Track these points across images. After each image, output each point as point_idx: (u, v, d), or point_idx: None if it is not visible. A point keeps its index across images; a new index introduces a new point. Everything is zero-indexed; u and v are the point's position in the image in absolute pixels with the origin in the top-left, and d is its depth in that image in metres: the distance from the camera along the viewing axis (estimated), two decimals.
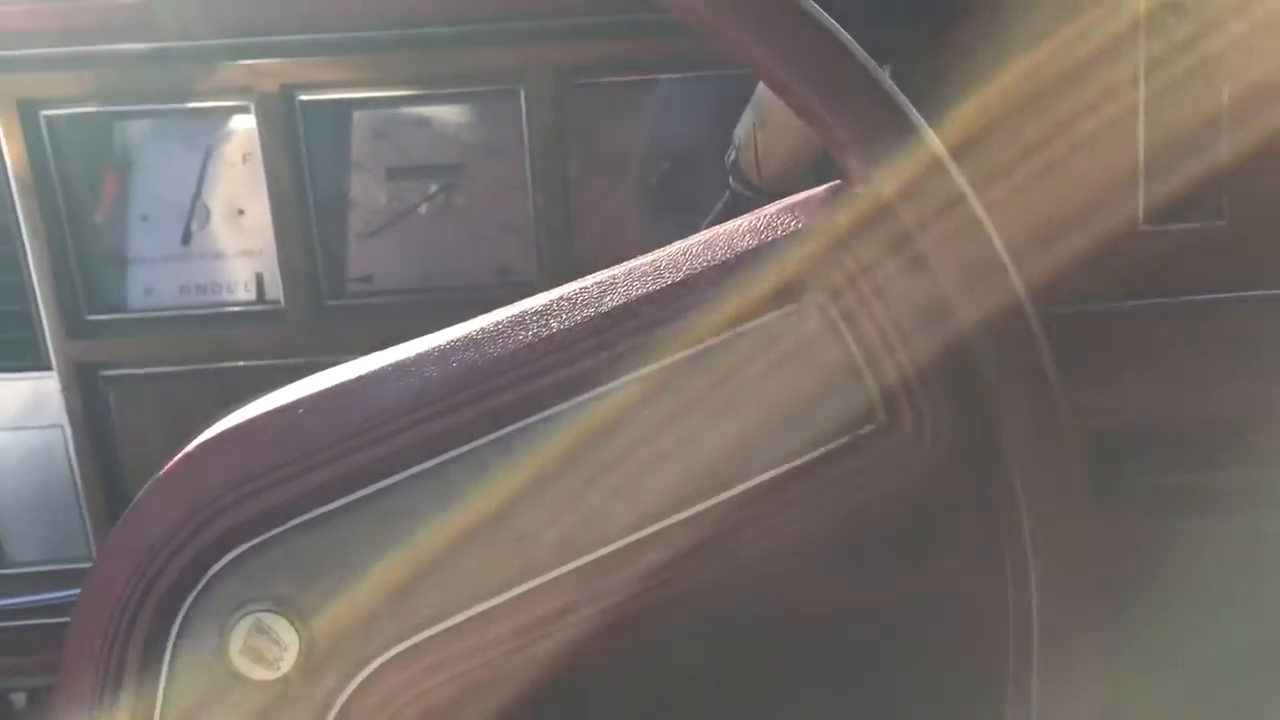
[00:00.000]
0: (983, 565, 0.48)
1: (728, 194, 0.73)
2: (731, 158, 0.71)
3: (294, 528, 0.47)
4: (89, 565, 0.91)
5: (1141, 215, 0.78)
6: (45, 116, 0.81)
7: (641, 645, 0.50)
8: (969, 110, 0.59)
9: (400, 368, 0.48)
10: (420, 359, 0.47)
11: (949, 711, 0.50)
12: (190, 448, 0.49)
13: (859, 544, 0.48)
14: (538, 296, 0.48)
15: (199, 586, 0.47)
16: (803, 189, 0.63)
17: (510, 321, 0.47)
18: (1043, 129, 0.72)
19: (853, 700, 0.51)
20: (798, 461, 0.46)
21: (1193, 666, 0.78)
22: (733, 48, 0.45)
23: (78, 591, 0.86)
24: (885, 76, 0.44)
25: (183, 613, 0.47)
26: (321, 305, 0.87)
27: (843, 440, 0.46)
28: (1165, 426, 0.78)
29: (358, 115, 0.85)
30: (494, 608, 0.48)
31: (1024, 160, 0.71)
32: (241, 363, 0.88)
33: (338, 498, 0.47)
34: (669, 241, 0.85)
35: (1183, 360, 0.79)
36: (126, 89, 0.80)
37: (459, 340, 0.47)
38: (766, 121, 0.63)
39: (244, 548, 0.47)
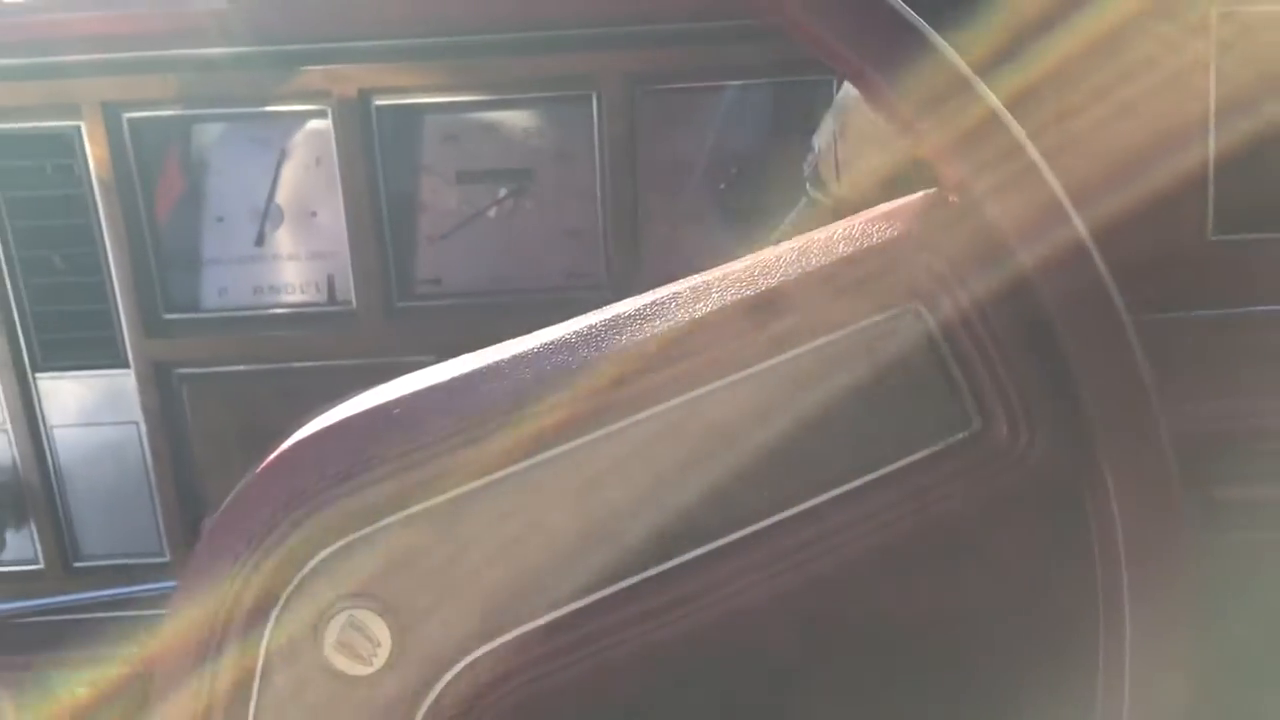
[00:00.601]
0: (1068, 571, 0.48)
1: (804, 200, 0.73)
2: (810, 165, 0.71)
3: (388, 525, 0.48)
4: (160, 560, 0.92)
5: (1211, 225, 0.78)
6: (128, 119, 0.83)
7: (726, 648, 0.50)
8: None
9: (494, 370, 0.48)
10: (515, 361, 0.48)
11: (1031, 717, 0.50)
12: (286, 445, 0.50)
13: (944, 548, 0.49)
14: (630, 301, 0.49)
15: (294, 582, 0.48)
16: (881, 197, 0.63)
17: (604, 325, 0.47)
18: (1112, 137, 0.72)
19: (933, 707, 0.51)
20: (889, 467, 0.46)
21: (1257, 682, 0.77)
22: (826, 54, 0.45)
23: (148, 586, 0.88)
24: (982, 85, 0.44)
25: (278, 607, 0.48)
26: (392, 306, 0.88)
27: (935, 446, 0.46)
28: (1231, 438, 0.77)
29: (429, 120, 0.86)
30: (583, 608, 0.48)
31: (1092, 168, 0.71)
32: (312, 363, 0.89)
33: (431, 497, 0.48)
34: (736, 246, 0.86)
35: (1246, 372, 0.79)
36: (206, 93, 0.82)
37: (553, 343, 0.48)
38: (848, 130, 0.64)
39: (339, 544, 0.48)
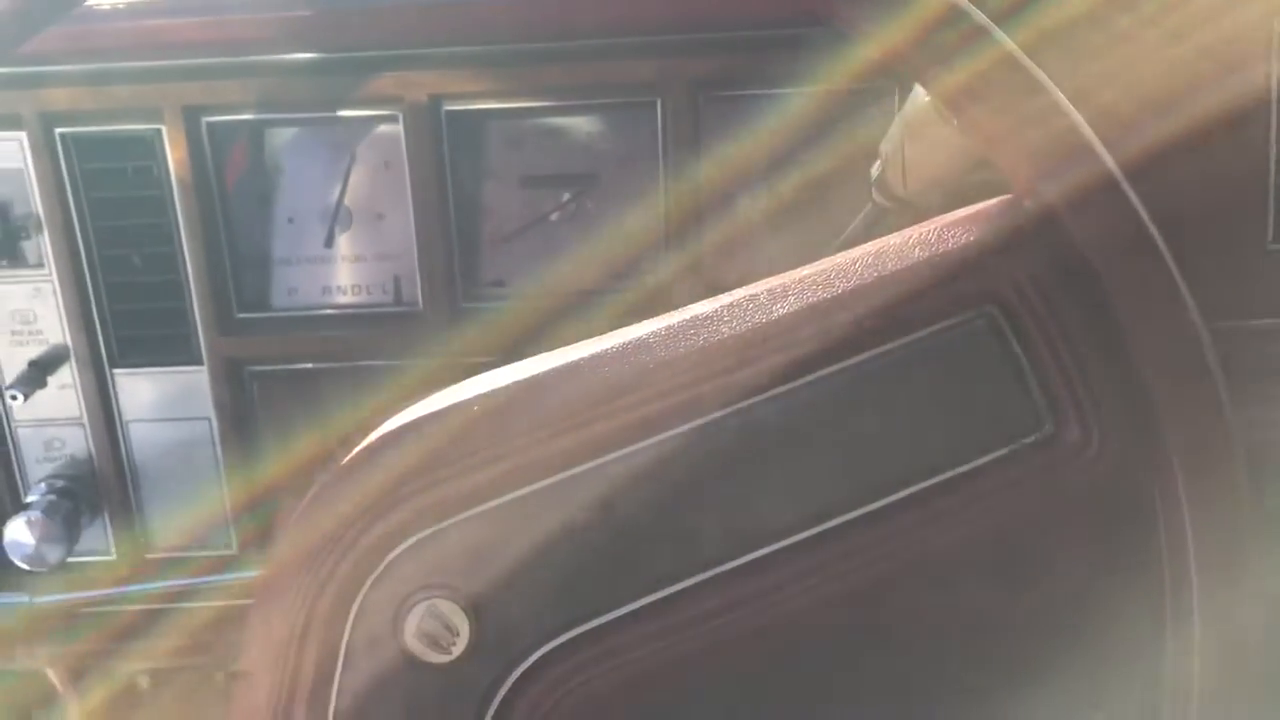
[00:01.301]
0: (1135, 575, 0.48)
1: (870, 206, 0.74)
2: (877, 170, 0.72)
3: (468, 519, 0.49)
4: (229, 553, 0.95)
5: (1271, 233, 0.78)
6: (206, 123, 0.85)
7: (792, 647, 0.51)
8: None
9: (574, 369, 0.49)
10: (594, 360, 0.49)
11: None
12: (370, 440, 0.52)
13: (1009, 552, 0.49)
14: (707, 302, 0.50)
15: (377, 571, 0.49)
16: (949, 202, 0.64)
17: (681, 326, 0.48)
18: (1172, 145, 0.72)
19: (991, 710, 0.52)
20: (958, 469, 0.47)
21: None
22: (898, 61, 0.46)
23: (217, 578, 0.90)
24: (1056, 90, 0.45)
25: (361, 596, 0.50)
26: (457, 308, 0.90)
27: (1005, 449, 0.47)
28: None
29: (496, 125, 0.88)
30: (656, 602, 0.49)
31: (1151, 176, 0.71)
32: (378, 362, 0.91)
33: (508, 492, 0.49)
34: (799, 252, 0.86)
35: None
36: (283, 98, 0.84)
37: (631, 343, 0.49)
38: (916, 135, 0.64)
39: (420, 536, 0.49)
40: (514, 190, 0.90)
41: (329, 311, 0.91)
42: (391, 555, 0.49)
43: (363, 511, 0.49)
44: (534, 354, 0.91)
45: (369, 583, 0.49)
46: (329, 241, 0.91)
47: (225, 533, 0.95)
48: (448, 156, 0.87)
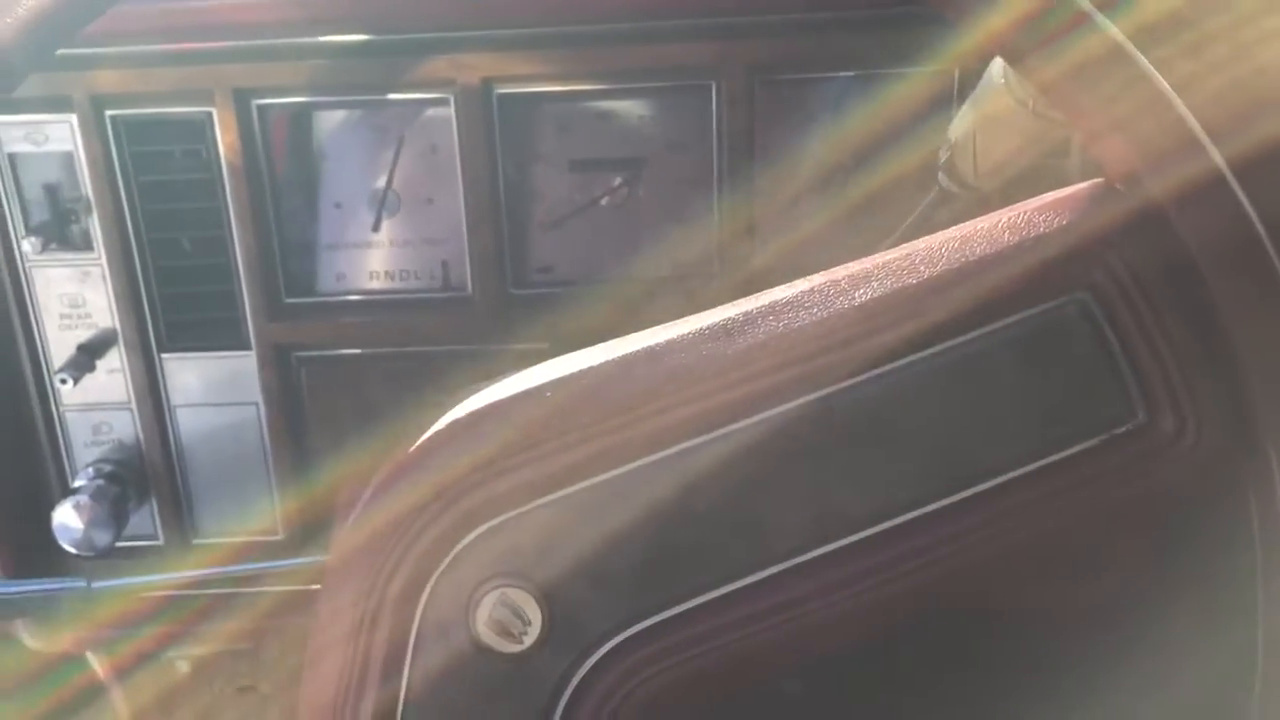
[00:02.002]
0: (1227, 565, 0.47)
1: (936, 190, 0.73)
2: (945, 155, 0.70)
3: (539, 507, 0.48)
4: (275, 538, 0.94)
5: None
6: (257, 106, 0.84)
7: (870, 641, 0.50)
8: None
9: (648, 354, 0.49)
10: (670, 347, 0.48)
11: (1184, 713, 0.50)
12: (439, 426, 0.51)
13: (1098, 543, 0.48)
14: (785, 288, 0.49)
15: (448, 559, 0.49)
16: (1019, 187, 0.63)
17: (760, 312, 0.47)
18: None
19: (1084, 702, 0.51)
20: (1049, 459, 0.46)
21: None
22: (998, 46, 0.45)
23: (266, 564, 0.89)
24: (1150, 67, 0.43)
25: (431, 584, 0.49)
26: (506, 293, 0.89)
27: (1098, 438, 0.45)
28: None
29: (547, 108, 0.87)
30: (729, 594, 0.48)
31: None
32: (427, 347, 0.90)
33: (582, 479, 0.48)
34: (853, 239, 0.85)
35: None
36: (333, 80, 0.83)
37: (709, 329, 0.48)
38: (988, 120, 0.63)
39: (491, 524, 0.48)
40: (563, 175, 0.89)
41: (377, 297, 0.91)
42: (462, 544, 0.49)
43: (434, 498, 0.48)
44: (583, 340, 0.91)
45: (438, 571, 0.49)
46: (377, 226, 0.90)
47: (271, 517, 0.94)
48: (499, 140, 0.86)
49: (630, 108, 0.87)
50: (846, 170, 0.86)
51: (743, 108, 0.83)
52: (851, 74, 0.84)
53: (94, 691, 1.08)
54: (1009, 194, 0.62)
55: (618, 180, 0.89)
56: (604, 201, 0.90)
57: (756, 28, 0.82)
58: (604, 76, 0.85)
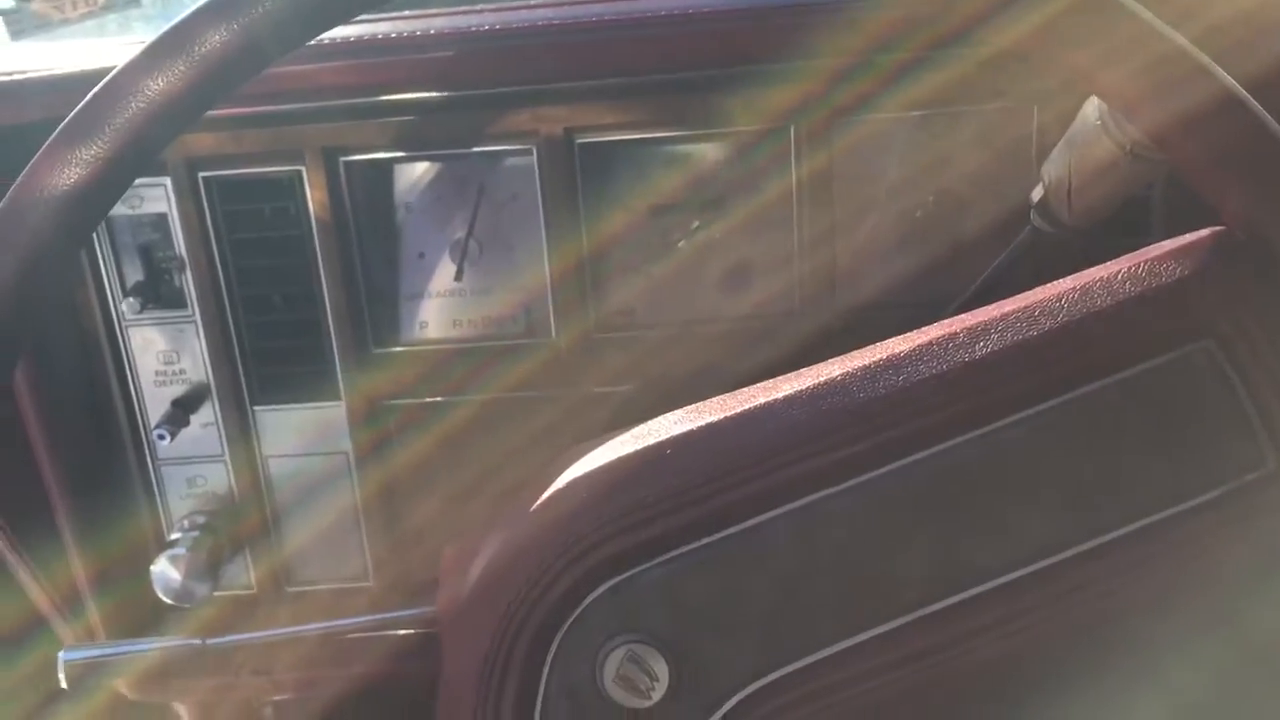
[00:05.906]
0: None
1: (1028, 230, 0.73)
2: (1038, 195, 0.71)
3: (665, 562, 0.49)
4: (365, 584, 0.96)
5: None
6: (344, 163, 0.86)
7: (995, 691, 0.50)
8: None
9: (768, 410, 0.49)
10: (789, 401, 0.49)
11: None
12: (561, 483, 0.52)
13: (1229, 592, 0.48)
14: (899, 341, 0.49)
15: (574, 616, 0.49)
16: (1112, 228, 0.63)
17: (880, 365, 0.48)
18: None
19: None
20: (1176, 508, 0.46)
21: None
22: (1083, 78, 0.45)
23: (362, 619, 0.90)
24: (1264, 113, 0.44)
25: (558, 640, 0.50)
26: (590, 338, 0.90)
27: (1224, 487, 0.45)
28: None
29: (627, 155, 0.88)
30: (858, 644, 0.48)
31: None
32: (513, 393, 0.91)
33: (707, 534, 0.49)
34: (932, 279, 0.85)
35: None
36: (419, 136, 0.85)
37: (828, 383, 0.48)
38: (1084, 160, 0.63)
39: (617, 580, 0.49)
40: (643, 219, 0.90)
41: (461, 344, 0.92)
42: (589, 599, 0.49)
43: (558, 555, 0.49)
44: (667, 382, 0.90)
45: (566, 627, 0.49)
46: (459, 275, 0.92)
47: (362, 564, 0.96)
48: (580, 188, 0.87)
49: (708, 151, 0.88)
50: (927, 205, 0.86)
51: (820, 148, 0.84)
52: (928, 112, 0.84)
53: None
54: (1109, 235, 0.62)
55: (697, 223, 0.90)
56: (683, 245, 0.90)
57: (833, 72, 0.83)
58: (682, 122, 0.86)
